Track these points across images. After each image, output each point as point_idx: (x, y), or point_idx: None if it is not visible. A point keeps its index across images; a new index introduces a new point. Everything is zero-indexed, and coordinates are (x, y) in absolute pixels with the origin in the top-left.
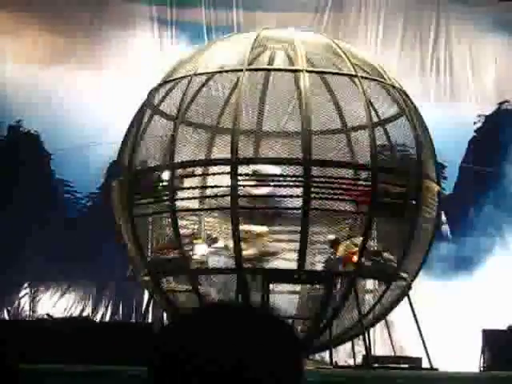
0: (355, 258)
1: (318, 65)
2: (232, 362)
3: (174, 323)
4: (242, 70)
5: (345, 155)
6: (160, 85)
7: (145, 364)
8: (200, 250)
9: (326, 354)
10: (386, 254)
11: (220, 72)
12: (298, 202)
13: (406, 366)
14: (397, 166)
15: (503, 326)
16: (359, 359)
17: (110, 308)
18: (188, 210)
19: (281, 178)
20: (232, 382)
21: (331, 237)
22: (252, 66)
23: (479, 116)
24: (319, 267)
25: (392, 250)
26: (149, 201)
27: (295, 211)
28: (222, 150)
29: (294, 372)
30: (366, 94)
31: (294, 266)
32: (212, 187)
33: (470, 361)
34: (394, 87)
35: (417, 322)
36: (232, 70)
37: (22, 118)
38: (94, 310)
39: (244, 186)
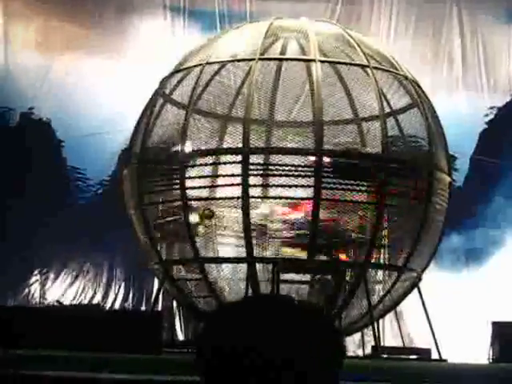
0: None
1: (330, 55)
2: (280, 355)
3: (219, 316)
4: (254, 60)
5: (356, 145)
6: (172, 73)
7: (154, 353)
8: None
9: None
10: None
11: (232, 61)
12: (310, 192)
13: (415, 357)
14: (408, 157)
15: None
16: (368, 350)
17: (120, 295)
18: (199, 198)
19: (292, 168)
20: (280, 374)
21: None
22: (264, 56)
23: (491, 108)
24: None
25: (403, 240)
26: (160, 189)
27: (306, 201)
28: (233, 139)
29: (336, 364)
30: (378, 84)
31: (304, 255)
32: (223, 176)
33: (479, 352)
34: (406, 78)
35: (426, 313)
36: (244, 60)
37: (34, 105)
38: (105, 297)
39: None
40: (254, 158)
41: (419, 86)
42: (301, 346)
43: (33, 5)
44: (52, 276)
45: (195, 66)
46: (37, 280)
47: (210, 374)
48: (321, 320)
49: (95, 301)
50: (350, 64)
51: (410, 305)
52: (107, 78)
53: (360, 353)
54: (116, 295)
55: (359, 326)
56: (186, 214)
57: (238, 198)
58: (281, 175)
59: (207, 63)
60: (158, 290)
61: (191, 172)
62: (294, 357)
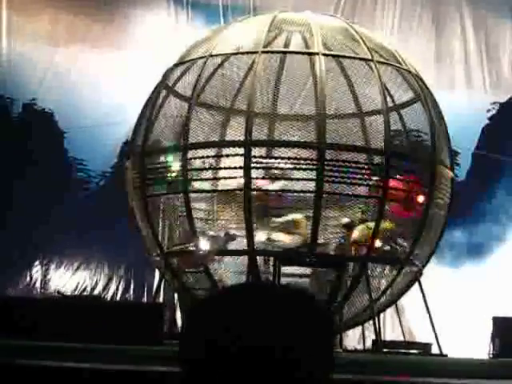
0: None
1: (333, 48)
2: (269, 342)
3: (205, 304)
4: (257, 53)
5: (359, 139)
6: (175, 65)
7: (155, 344)
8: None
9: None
10: (399, 240)
11: (235, 54)
12: (312, 186)
13: (416, 351)
14: (410, 152)
15: None
16: (369, 344)
17: (121, 287)
18: (200, 191)
19: (294, 161)
20: (270, 363)
21: (345, 220)
22: (268, 49)
23: (493, 103)
24: (331, 251)
25: (404, 235)
26: (162, 181)
27: (308, 194)
28: (236, 132)
29: (329, 351)
30: (382, 78)
31: (305, 249)
32: (225, 169)
33: (480, 348)
34: (409, 72)
35: (427, 307)
36: (247, 52)
37: (37, 97)
38: (105, 288)
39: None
40: (256, 151)
41: (422, 81)
42: (286, 332)
43: None
44: (53, 267)
45: (198, 58)
46: (38, 271)
47: (192, 366)
48: (307, 304)
49: (96, 292)
50: (354, 58)
51: (410, 299)
52: (110, 69)
53: (360, 347)
54: (117, 287)
55: (360, 320)
56: (187, 205)
57: (240, 190)
58: (283, 168)
59: (210, 56)
60: (159, 281)
61: (193, 164)
62: (276, 345)
